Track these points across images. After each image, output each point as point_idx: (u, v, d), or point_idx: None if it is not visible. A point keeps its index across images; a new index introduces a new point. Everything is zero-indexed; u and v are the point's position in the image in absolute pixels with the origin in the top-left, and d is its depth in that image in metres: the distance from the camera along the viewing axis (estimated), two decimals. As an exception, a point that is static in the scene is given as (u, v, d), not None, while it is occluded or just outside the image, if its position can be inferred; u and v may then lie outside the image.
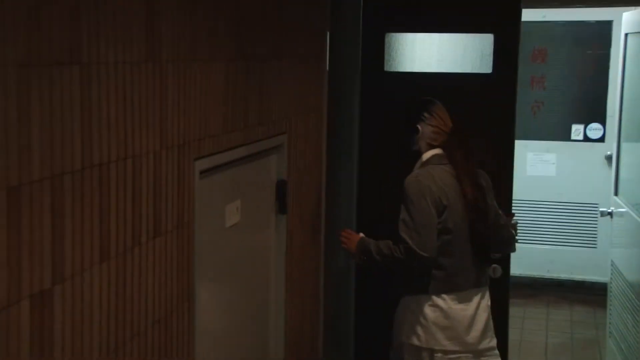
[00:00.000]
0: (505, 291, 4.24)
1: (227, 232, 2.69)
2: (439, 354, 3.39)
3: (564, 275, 7.84)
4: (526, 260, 7.84)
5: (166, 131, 2.16)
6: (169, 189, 2.20)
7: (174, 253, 2.25)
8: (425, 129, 3.51)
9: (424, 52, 4.46)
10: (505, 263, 4.20)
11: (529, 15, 7.50)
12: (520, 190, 7.81)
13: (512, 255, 7.65)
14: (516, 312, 7.09)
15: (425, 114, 3.53)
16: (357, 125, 4.35)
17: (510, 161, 4.18)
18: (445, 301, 3.39)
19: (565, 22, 7.64)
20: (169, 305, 2.22)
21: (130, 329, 2.01)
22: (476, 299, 3.45)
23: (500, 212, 3.58)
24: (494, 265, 4.12)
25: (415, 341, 3.39)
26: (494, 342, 3.54)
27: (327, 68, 3.76)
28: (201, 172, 2.43)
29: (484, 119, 4.20)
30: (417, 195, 3.32)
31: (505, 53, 4.14)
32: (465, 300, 3.42)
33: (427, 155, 3.49)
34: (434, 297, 3.37)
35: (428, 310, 3.37)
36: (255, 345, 3.05)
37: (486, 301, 3.52)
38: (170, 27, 2.16)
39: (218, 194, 2.62)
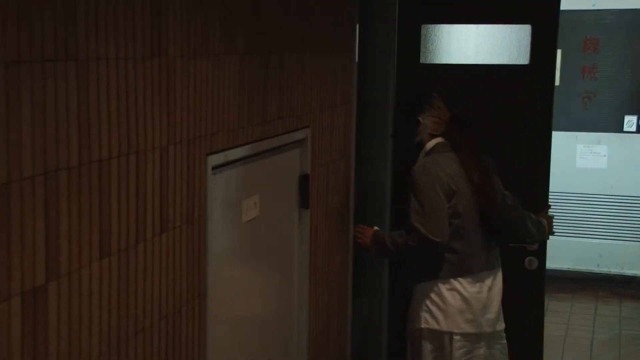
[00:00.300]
0: (541, 284, 4.16)
1: (244, 227, 2.68)
2: (458, 337, 3.51)
3: (614, 269, 7.68)
4: (575, 254, 7.71)
5: (174, 127, 2.15)
6: (177, 184, 2.19)
7: (184, 248, 2.24)
8: (426, 120, 3.64)
9: (460, 43, 4.40)
10: (542, 255, 4.12)
11: (578, 3, 7.35)
12: (570, 182, 7.68)
13: (561, 248, 7.60)
14: (563, 307, 6.98)
15: (426, 106, 3.67)
16: (390, 118, 4.30)
17: (547, 153, 4.10)
18: (461, 284, 3.51)
19: (617, 10, 7.47)
20: (177, 301, 2.21)
21: (134, 325, 2.01)
22: (488, 281, 3.57)
23: (507, 193, 3.68)
24: (530, 257, 4.07)
25: (435, 325, 3.52)
26: (504, 326, 3.69)
27: (357, 60, 3.71)
28: (215, 167, 2.42)
29: (521, 111, 4.13)
30: (426, 183, 3.45)
31: (543, 44, 4.06)
32: (479, 282, 3.55)
33: (430, 144, 3.63)
34: (452, 280, 3.50)
35: (446, 294, 3.50)
36: (276, 344, 3.03)
37: (499, 283, 3.63)
38: (179, 21, 2.15)
39: (234, 189, 2.60)
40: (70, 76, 1.71)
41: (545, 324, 6.49)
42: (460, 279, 3.50)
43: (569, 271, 7.72)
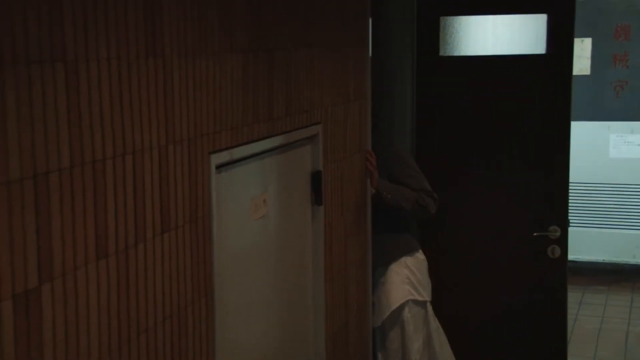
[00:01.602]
0: (563, 272, 4.11)
1: (253, 225, 2.67)
2: (430, 306, 3.87)
3: (650, 261, 7.54)
4: (610, 245, 7.59)
5: (173, 126, 2.15)
6: (179, 184, 2.19)
7: (188, 248, 2.23)
8: None
9: (479, 35, 4.36)
10: (564, 243, 4.07)
11: (608, -9, 7.23)
12: (603, 173, 7.56)
13: (596, 240, 7.48)
14: (597, 299, 6.87)
15: None
16: (409, 111, 4.27)
17: (567, 143, 4.05)
18: (423, 255, 3.91)
19: (650, -4, 7.34)
20: (182, 301, 2.21)
21: (136, 326, 2.01)
22: None
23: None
24: (553, 245, 4.03)
25: (420, 297, 3.80)
26: None
27: (370, 54, 3.68)
28: (219, 165, 2.41)
29: (540, 101, 4.09)
30: (408, 155, 3.93)
31: (560, 33, 4.01)
32: None
33: None
34: (422, 251, 3.89)
35: (422, 265, 3.85)
36: (292, 344, 3.01)
37: None
38: (175, 19, 2.14)
39: (241, 187, 2.59)
40: (58, 78, 1.71)
41: (580, 317, 6.43)
42: (421, 250, 3.90)
43: (604, 263, 7.61)
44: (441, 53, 4.37)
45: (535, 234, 4.07)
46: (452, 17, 4.34)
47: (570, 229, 4.17)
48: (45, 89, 1.67)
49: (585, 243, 7.58)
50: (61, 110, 1.72)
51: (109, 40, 1.87)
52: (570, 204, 4.19)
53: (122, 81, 1.93)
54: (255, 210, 2.67)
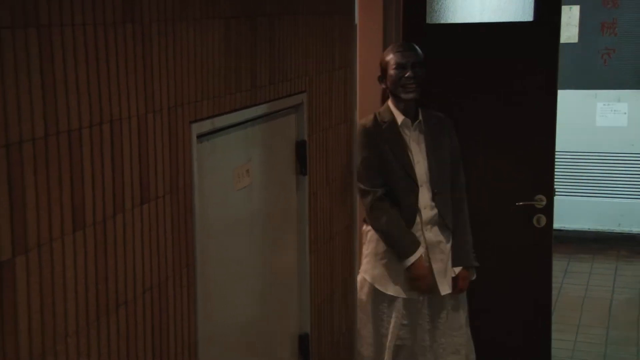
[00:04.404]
0: (549, 241, 4.10)
1: (236, 195, 2.63)
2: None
3: (635, 229, 7.56)
4: (596, 214, 7.60)
5: (152, 94, 2.10)
6: (159, 153, 2.14)
7: (168, 218, 2.19)
8: None
9: (466, 2, 4.30)
10: (549, 212, 4.05)
11: (596, -44, 7.16)
12: (590, 141, 7.54)
13: (582, 209, 7.49)
14: (583, 267, 6.89)
15: None
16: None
17: (553, 114, 4.01)
18: None
19: (639, -37, 7.28)
20: (163, 272, 2.17)
21: (115, 299, 1.97)
22: None
23: None
24: (538, 214, 4.01)
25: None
26: None
27: (357, 22, 3.63)
28: (201, 135, 2.36)
29: (527, 68, 4.04)
30: None
31: (548, 0, 3.95)
32: None
33: None
34: None
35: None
36: (276, 316, 2.98)
37: None
38: (153, -15, 2.08)
39: (223, 157, 2.55)
40: (31, 44, 1.65)
41: (565, 285, 6.45)
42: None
43: (590, 231, 7.62)
44: (428, 21, 4.31)
45: (521, 203, 4.05)
46: (439, -16, 4.28)
47: (555, 197, 4.15)
48: (17, 56, 1.62)
49: (571, 211, 7.58)
50: (34, 78, 1.67)
51: (84, 4, 1.82)
52: (556, 173, 4.17)
53: (99, 48, 1.88)
54: (238, 181, 2.63)
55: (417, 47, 3.73)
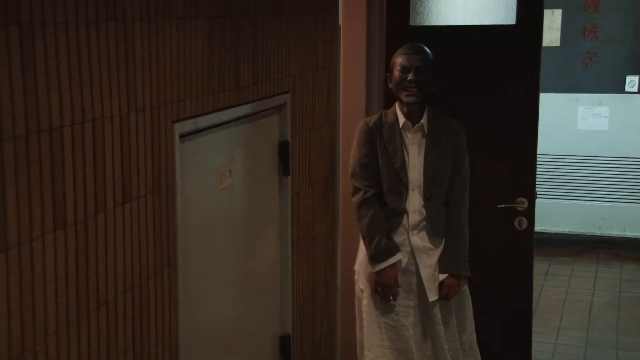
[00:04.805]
0: (530, 243, 4.11)
1: (218, 195, 2.62)
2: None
3: (615, 232, 7.60)
4: (576, 216, 7.64)
5: (135, 94, 2.09)
6: (141, 153, 2.13)
7: (150, 218, 2.19)
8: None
9: (449, 4, 4.32)
10: (531, 215, 4.06)
11: (578, -39, 7.21)
12: (571, 145, 7.58)
13: (563, 212, 7.52)
14: (563, 270, 6.92)
15: None
16: (377, 81, 4.22)
17: (535, 116, 4.02)
18: None
19: (620, -33, 7.33)
20: (144, 272, 2.16)
21: (96, 298, 1.96)
22: None
23: None
24: (520, 217, 4.01)
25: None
26: None
27: (340, 23, 3.63)
28: (184, 135, 2.36)
29: (510, 71, 4.06)
30: None
31: (530, 4, 3.97)
32: None
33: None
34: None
35: None
36: (258, 316, 2.98)
37: None
38: (137, -16, 2.07)
39: (206, 157, 2.54)
40: (12, 41, 1.64)
41: (545, 288, 6.47)
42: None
43: (571, 234, 7.66)
44: (411, 23, 4.32)
45: (502, 205, 4.07)
46: (422, -14, 4.29)
47: (537, 200, 4.16)
48: (-1, 53, 1.61)
49: (552, 214, 7.62)
50: (16, 76, 1.66)
51: (67, 3, 1.81)
52: (537, 176, 4.18)
53: (81, 46, 1.87)
54: (220, 181, 2.63)
55: (426, 50, 3.68)
